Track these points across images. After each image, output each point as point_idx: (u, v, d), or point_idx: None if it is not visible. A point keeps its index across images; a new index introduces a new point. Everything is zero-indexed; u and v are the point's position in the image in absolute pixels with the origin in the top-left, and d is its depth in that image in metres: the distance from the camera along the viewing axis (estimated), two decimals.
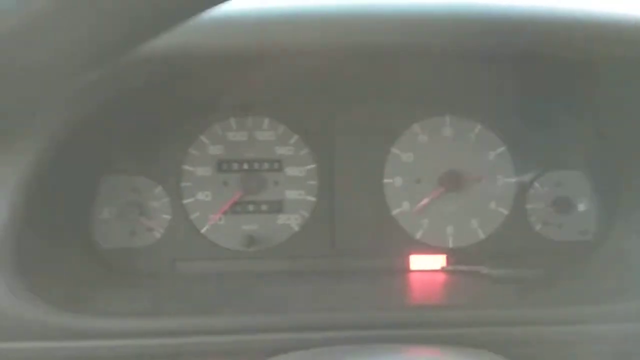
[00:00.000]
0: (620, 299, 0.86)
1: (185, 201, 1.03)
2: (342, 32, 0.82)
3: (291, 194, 1.05)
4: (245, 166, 1.04)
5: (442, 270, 1.02)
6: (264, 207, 1.05)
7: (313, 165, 1.05)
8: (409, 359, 0.73)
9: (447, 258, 1.03)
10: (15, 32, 0.30)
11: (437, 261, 1.03)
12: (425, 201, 1.05)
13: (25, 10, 0.29)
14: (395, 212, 1.05)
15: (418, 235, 1.05)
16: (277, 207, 1.05)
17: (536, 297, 0.89)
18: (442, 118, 1.06)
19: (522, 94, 1.02)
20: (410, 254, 1.03)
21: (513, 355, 0.77)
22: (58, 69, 0.33)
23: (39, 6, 0.29)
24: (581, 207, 1.05)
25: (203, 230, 1.03)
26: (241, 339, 0.82)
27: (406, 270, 1.02)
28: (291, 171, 1.05)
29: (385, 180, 1.05)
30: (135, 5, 0.30)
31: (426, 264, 1.03)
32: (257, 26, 0.80)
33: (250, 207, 1.04)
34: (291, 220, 1.05)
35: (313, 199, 1.05)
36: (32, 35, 0.30)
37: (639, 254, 0.93)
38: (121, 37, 0.33)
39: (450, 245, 1.05)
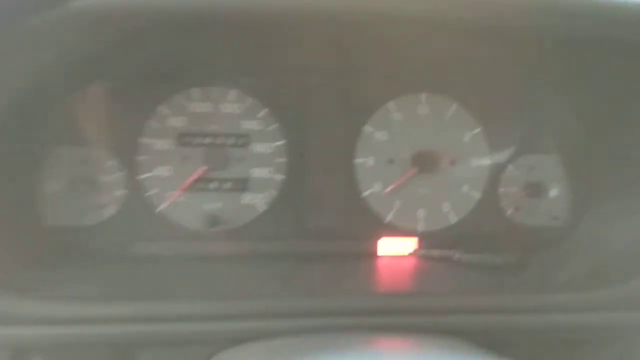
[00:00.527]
0: (592, 287, 0.85)
1: (141, 176, 0.95)
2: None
3: (257, 172, 0.99)
4: (208, 140, 0.97)
5: (413, 254, 0.99)
6: (227, 185, 0.98)
7: (282, 142, 0.99)
8: (374, 351, 0.70)
9: (418, 242, 1.00)
10: None
11: (408, 245, 0.99)
12: (397, 183, 1.00)
13: None
14: (366, 193, 1.00)
15: (389, 217, 1.01)
16: (242, 185, 0.98)
17: (507, 284, 0.87)
18: (418, 95, 1.01)
19: (500, 73, 0.98)
20: (381, 237, 0.99)
21: (484, 343, 0.75)
22: None
23: None
24: (553, 192, 1.04)
25: (161, 208, 0.96)
26: (201, 327, 0.76)
27: (376, 254, 0.98)
28: (258, 147, 0.99)
29: (357, 160, 1.00)
30: None
31: (396, 247, 0.99)
32: None
33: (213, 185, 0.97)
34: (257, 200, 0.98)
35: (281, 177, 0.99)
36: None
37: (611, 240, 0.93)
38: None
39: (421, 228, 1.01)
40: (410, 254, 0.99)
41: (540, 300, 0.83)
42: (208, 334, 0.76)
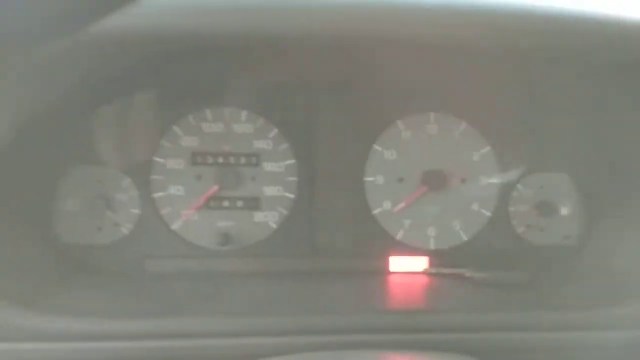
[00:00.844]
0: (603, 305, 0.85)
1: (155, 195, 0.97)
2: (326, 21, 0.78)
3: (269, 190, 1.00)
4: (221, 159, 0.99)
5: (424, 272, 0.99)
6: (240, 204, 0.99)
7: (292, 161, 1.00)
8: None
9: (429, 260, 1.00)
10: None
11: (419, 263, 1.00)
12: (407, 201, 1.01)
13: None
14: (376, 211, 1.01)
15: (399, 236, 1.02)
16: (254, 203, 1.00)
17: (518, 302, 0.87)
18: (427, 115, 1.02)
19: (508, 93, 0.99)
20: (391, 255, 1.00)
21: None
22: (17, 36, 0.28)
23: None
24: (564, 210, 1.03)
25: (174, 227, 0.97)
26: (214, 343, 0.77)
27: (387, 271, 0.99)
28: (269, 166, 1.00)
29: (367, 179, 1.01)
30: None
31: (407, 265, 0.99)
32: (237, 12, 0.75)
33: (226, 203, 0.99)
34: (268, 218, 1.00)
35: (292, 195, 1.00)
36: None
37: (621, 259, 0.93)
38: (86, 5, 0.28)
39: (432, 246, 1.02)
40: (422, 272, 0.99)
41: (551, 318, 0.83)
42: (220, 351, 0.77)
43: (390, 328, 0.80)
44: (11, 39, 0.28)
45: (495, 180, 1.03)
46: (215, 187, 0.97)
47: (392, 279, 0.97)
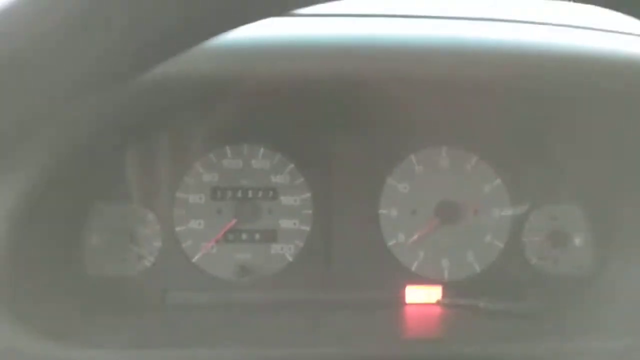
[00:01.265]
0: (616, 335, 0.85)
1: (177, 229, 1.01)
2: (338, 62, 0.82)
3: (285, 223, 1.03)
4: (240, 194, 1.03)
5: (438, 303, 1.00)
6: (257, 237, 1.03)
7: (308, 194, 1.04)
8: None
9: (443, 291, 1.01)
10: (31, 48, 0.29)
11: (433, 294, 1.01)
12: (420, 233, 1.04)
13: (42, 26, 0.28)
14: (390, 243, 1.04)
15: (413, 267, 1.03)
16: (271, 236, 1.03)
17: (532, 332, 0.88)
18: (439, 149, 1.05)
19: (518, 126, 1.02)
20: (406, 286, 1.01)
21: None
22: (62, 89, 0.32)
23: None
24: (577, 241, 1.05)
25: (195, 259, 1.01)
26: None
27: (401, 303, 1.00)
28: (286, 200, 1.04)
29: (381, 211, 1.04)
30: (149, 30, 0.29)
31: (422, 296, 1.01)
32: (252, 55, 0.80)
33: (244, 236, 1.03)
34: (285, 250, 1.03)
35: (307, 228, 1.03)
36: (43, 53, 0.29)
37: (635, 289, 0.93)
38: (132, 61, 0.32)
39: (446, 277, 1.03)
40: (436, 303, 1.00)
41: (565, 347, 0.84)
42: None
43: (405, 358, 0.81)
44: (57, 91, 0.32)
45: (507, 212, 1.05)
46: (234, 221, 1.01)
47: (406, 310, 0.99)
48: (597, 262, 1.03)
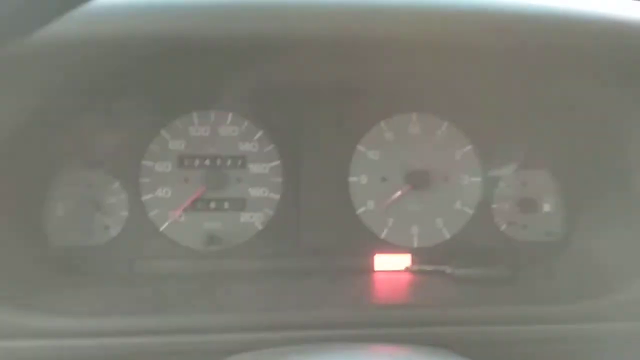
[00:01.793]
0: (581, 299, 0.86)
1: (143, 198, 0.99)
2: (306, 24, 0.80)
3: (255, 192, 1.02)
4: (207, 162, 1.01)
5: (407, 270, 1.01)
6: (226, 205, 1.02)
7: (277, 162, 1.03)
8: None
9: (412, 258, 1.02)
10: None
11: (402, 261, 1.01)
12: (390, 200, 1.03)
13: None
14: (360, 210, 1.03)
15: (383, 234, 1.03)
16: (240, 204, 1.02)
17: (499, 296, 0.89)
18: (409, 115, 1.04)
19: (489, 92, 1.01)
20: (375, 253, 1.01)
21: (476, 354, 0.77)
22: None
23: None
24: (547, 207, 1.05)
25: (162, 228, 1.00)
26: (200, 339, 0.79)
27: (371, 269, 1.01)
28: (255, 168, 1.03)
29: (351, 179, 1.03)
30: None
31: (391, 263, 1.01)
32: (220, 14, 0.77)
33: (212, 205, 1.01)
34: (255, 219, 1.02)
35: (277, 196, 1.02)
36: None
37: (602, 254, 0.94)
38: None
39: (415, 244, 1.04)
40: (405, 269, 1.01)
41: (531, 311, 0.85)
42: (206, 346, 0.79)
43: (372, 322, 0.82)
44: None
45: (477, 178, 1.05)
46: (202, 189, 1.00)
47: (375, 276, 0.99)
48: (565, 228, 1.04)
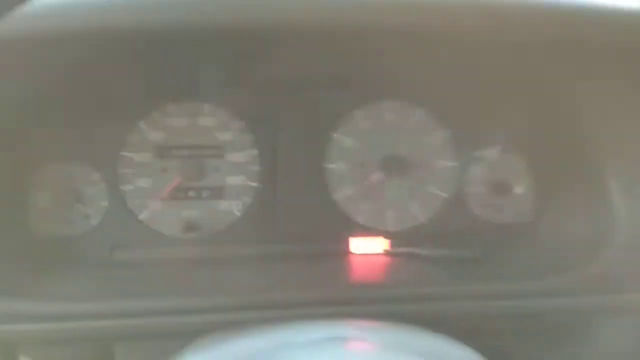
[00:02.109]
0: (549, 275, 0.89)
1: (123, 187, 1.02)
2: (277, 13, 0.82)
3: (233, 180, 1.04)
4: (186, 152, 1.03)
5: (382, 252, 1.03)
6: (204, 194, 1.04)
7: (255, 151, 1.05)
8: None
9: (388, 241, 1.04)
10: None
11: (378, 244, 1.03)
12: (366, 185, 1.05)
13: None
14: (336, 196, 1.05)
15: (359, 219, 1.06)
16: (219, 193, 1.04)
17: (469, 274, 0.91)
18: (383, 103, 1.07)
19: (461, 77, 1.03)
20: (352, 237, 1.04)
21: (449, 329, 0.79)
22: None
23: None
24: (519, 190, 1.07)
25: (141, 217, 1.02)
26: (173, 320, 0.82)
27: (347, 253, 1.03)
28: (233, 157, 1.05)
29: (327, 165, 1.06)
30: None
31: (367, 247, 1.03)
32: (191, 5, 0.79)
33: (191, 193, 1.03)
34: (233, 207, 1.04)
35: (255, 184, 1.05)
36: None
37: (569, 232, 0.96)
38: None
39: (391, 228, 1.06)
40: (380, 252, 1.03)
41: (499, 287, 0.88)
42: (180, 327, 0.81)
43: (347, 300, 0.85)
44: None
45: (451, 163, 1.07)
46: (180, 179, 1.02)
47: (352, 259, 1.01)
48: (536, 209, 1.06)
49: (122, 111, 1.01)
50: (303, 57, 0.97)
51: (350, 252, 1.03)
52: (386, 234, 1.04)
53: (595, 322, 0.89)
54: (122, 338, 0.84)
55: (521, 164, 1.08)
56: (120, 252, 1.00)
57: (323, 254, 1.01)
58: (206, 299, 0.84)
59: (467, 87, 1.05)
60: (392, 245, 1.03)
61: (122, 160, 1.02)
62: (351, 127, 1.06)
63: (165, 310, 0.83)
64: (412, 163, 1.07)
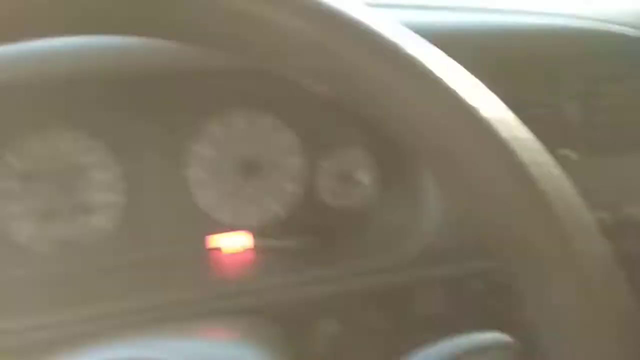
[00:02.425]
0: (386, 252, 1.02)
1: None
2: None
3: (101, 197, 1.12)
4: (53, 175, 1.10)
5: (243, 249, 1.14)
6: (74, 212, 1.11)
7: (120, 169, 1.13)
8: None
9: (249, 237, 1.15)
10: None
11: (239, 241, 1.14)
12: (226, 188, 1.16)
13: None
14: (199, 201, 1.15)
15: (222, 219, 1.16)
16: (88, 210, 1.12)
17: (313, 260, 1.03)
18: (235, 111, 1.17)
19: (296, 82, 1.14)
20: (215, 237, 1.14)
21: (293, 316, 0.90)
22: None
23: None
24: (364, 180, 1.20)
25: (14, 238, 1.09)
26: (42, 334, 0.90)
27: (210, 252, 1.13)
28: (99, 176, 1.12)
29: (189, 174, 1.15)
30: None
31: (229, 245, 1.14)
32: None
33: (61, 213, 1.11)
34: (102, 223, 1.12)
35: (123, 199, 1.13)
36: None
37: (402, 216, 1.09)
38: None
39: (253, 225, 1.17)
40: (241, 250, 1.14)
41: (340, 268, 1.00)
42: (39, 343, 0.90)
43: (208, 298, 0.95)
44: None
45: (303, 160, 1.18)
46: (48, 201, 1.09)
47: (215, 258, 1.12)
48: (377, 197, 1.19)
49: None
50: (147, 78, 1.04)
51: (213, 251, 1.13)
52: (249, 232, 1.15)
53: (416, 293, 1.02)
54: None
55: (365, 156, 1.20)
56: None
57: (187, 255, 1.11)
58: (73, 312, 0.93)
59: (312, 93, 1.16)
60: (252, 242, 1.14)
61: None
62: (207, 137, 1.16)
63: (32, 326, 0.91)
64: (267, 164, 1.17)
